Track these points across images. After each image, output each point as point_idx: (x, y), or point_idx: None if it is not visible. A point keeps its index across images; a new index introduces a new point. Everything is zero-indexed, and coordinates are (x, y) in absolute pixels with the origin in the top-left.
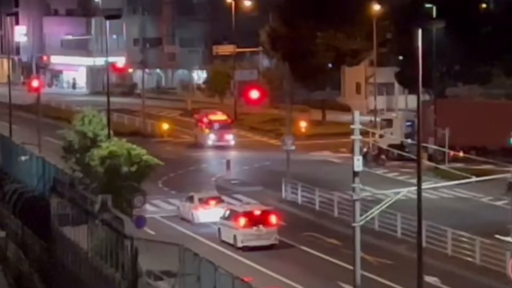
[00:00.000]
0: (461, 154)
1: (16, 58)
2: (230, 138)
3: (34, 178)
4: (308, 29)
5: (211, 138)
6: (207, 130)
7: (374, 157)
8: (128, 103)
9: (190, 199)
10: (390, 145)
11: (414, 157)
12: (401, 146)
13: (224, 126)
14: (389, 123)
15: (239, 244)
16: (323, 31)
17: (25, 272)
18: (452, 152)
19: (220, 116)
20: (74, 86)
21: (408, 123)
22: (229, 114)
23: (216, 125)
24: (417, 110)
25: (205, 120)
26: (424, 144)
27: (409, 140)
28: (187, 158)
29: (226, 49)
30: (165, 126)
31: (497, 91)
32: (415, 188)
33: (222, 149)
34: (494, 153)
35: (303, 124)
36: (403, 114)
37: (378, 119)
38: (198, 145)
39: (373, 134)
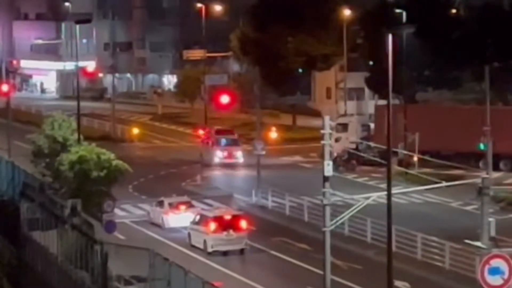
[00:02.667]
0: (415, 159)
1: None
2: (238, 155)
3: (3, 183)
4: (278, 34)
5: (218, 156)
6: (213, 147)
7: (345, 162)
8: (98, 108)
9: (160, 204)
10: (345, 150)
11: (382, 161)
12: (356, 150)
13: (232, 142)
14: (344, 127)
15: (209, 249)
16: (294, 36)
17: None
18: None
19: (226, 132)
20: (42, 90)
21: (363, 127)
22: (235, 131)
23: (223, 141)
24: (387, 115)
25: (210, 136)
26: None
27: (364, 143)
28: (158, 163)
29: (197, 53)
30: (135, 130)
31: (467, 96)
32: (385, 193)
33: (230, 167)
34: (460, 157)
35: (273, 135)
36: (358, 118)
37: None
38: (204, 163)
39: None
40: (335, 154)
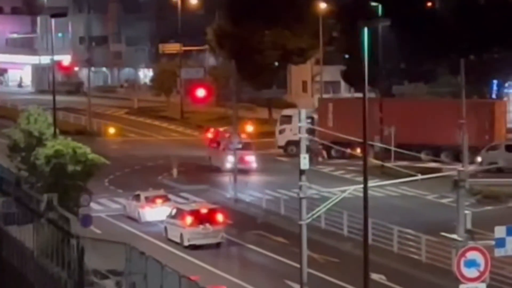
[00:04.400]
0: (349, 150)
1: None
2: (252, 160)
3: None
4: (255, 27)
5: (230, 161)
6: (224, 151)
7: (314, 154)
8: (74, 102)
9: (137, 197)
10: (289, 142)
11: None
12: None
13: (244, 146)
14: (288, 119)
15: (186, 243)
16: (270, 29)
17: None
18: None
19: (238, 135)
20: (20, 84)
21: (308, 120)
22: (249, 133)
23: (235, 145)
24: (363, 108)
25: (220, 139)
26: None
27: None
28: (134, 157)
29: (173, 47)
30: (111, 130)
31: (443, 89)
32: (361, 186)
33: (243, 173)
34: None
35: (249, 128)
36: (304, 111)
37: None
38: (213, 168)
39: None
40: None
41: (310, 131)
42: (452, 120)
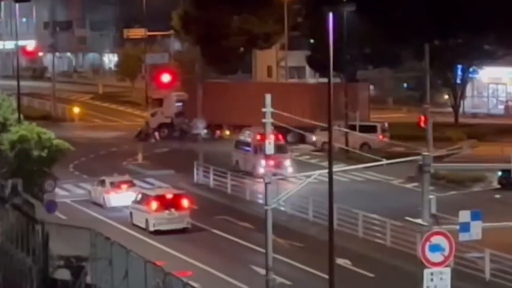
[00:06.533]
0: (227, 132)
1: None
2: (287, 164)
3: None
4: (220, 12)
5: (263, 165)
6: (256, 155)
7: (146, 135)
8: (39, 87)
9: (102, 183)
10: (162, 124)
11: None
12: (171, 125)
13: (278, 149)
14: (160, 102)
15: (151, 228)
16: (236, 14)
17: None
18: (218, 131)
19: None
20: None
21: (179, 103)
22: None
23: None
24: (328, 94)
25: (252, 141)
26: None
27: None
28: (98, 142)
29: (137, 32)
30: (76, 109)
31: (407, 74)
32: (326, 171)
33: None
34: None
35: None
36: (174, 94)
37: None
38: (243, 173)
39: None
40: (139, 129)
41: (181, 113)
42: (300, 103)
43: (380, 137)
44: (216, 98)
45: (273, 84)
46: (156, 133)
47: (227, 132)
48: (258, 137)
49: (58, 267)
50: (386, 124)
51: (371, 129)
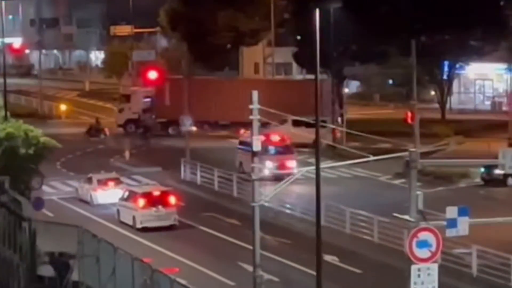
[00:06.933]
0: (194, 128)
1: None
2: (293, 165)
3: None
4: (207, 9)
5: (268, 167)
6: (261, 156)
7: (97, 131)
8: (25, 84)
9: (89, 180)
10: (128, 120)
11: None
12: (138, 121)
13: (283, 150)
14: (127, 98)
15: (138, 225)
16: (223, 11)
17: None
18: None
19: (275, 137)
20: None
21: (147, 99)
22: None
23: (272, 149)
24: (315, 90)
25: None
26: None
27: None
28: (85, 139)
29: (124, 29)
30: (63, 107)
31: (394, 71)
32: (313, 167)
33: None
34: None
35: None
36: (142, 90)
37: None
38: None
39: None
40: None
41: (148, 110)
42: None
43: (333, 132)
44: (179, 94)
45: (240, 81)
46: (106, 129)
47: (194, 129)
48: (263, 137)
49: (41, 263)
50: (340, 119)
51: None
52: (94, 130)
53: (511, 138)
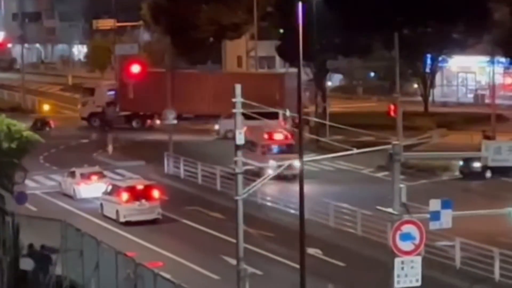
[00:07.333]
0: (158, 122)
1: None
2: (295, 165)
3: None
4: (190, 3)
5: (271, 166)
6: (263, 155)
7: (42, 124)
8: (8, 79)
9: (72, 174)
10: (92, 113)
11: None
12: (103, 114)
13: (285, 149)
14: (91, 92)
15: (122, 219)
16: (206, 5)
17: None
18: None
19: (278, 135)
20: None
21: (111, 92)
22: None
23: (275, 148)
24: (298, 83)
25: (257, 139)
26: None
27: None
28: (68, 134)
29: (106, 23)
30: (46, 107)
31: (377, 64)
32: (297, 161)
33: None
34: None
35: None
36: (106, 83)
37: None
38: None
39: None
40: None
41: (112, 103)
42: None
43: (282, 123)
44: (143, 88)
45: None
46: (52, 122)
47: (158, 122)
48: (266, 136)
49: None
50: (288, 111)
51: (273, 116)
52: (40, 124)
53: (485, 130)
